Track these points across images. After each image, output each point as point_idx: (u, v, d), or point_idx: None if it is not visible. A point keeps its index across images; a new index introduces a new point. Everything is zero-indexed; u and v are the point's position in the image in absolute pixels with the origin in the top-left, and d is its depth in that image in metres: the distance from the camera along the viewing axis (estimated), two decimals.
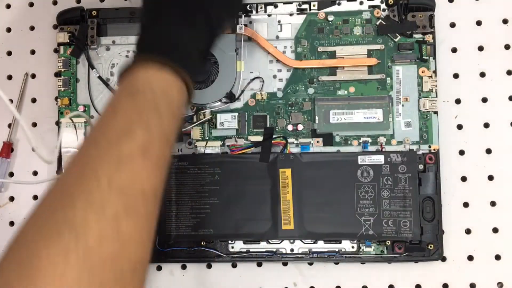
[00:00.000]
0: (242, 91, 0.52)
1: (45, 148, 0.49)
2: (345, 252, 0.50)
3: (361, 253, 0.50)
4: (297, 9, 0.53)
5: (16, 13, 0.57)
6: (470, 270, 0.51)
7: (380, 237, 0.49)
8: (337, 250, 0.50)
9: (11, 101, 0.55)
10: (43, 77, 0.56)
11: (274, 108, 0.52)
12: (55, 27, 0.56)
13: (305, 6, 0.53)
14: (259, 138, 0.52)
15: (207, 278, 0.52)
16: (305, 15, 0.52)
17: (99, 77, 0.53)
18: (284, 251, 0.51)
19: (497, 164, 0.52)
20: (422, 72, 0.51)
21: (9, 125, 0.55)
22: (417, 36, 0.51)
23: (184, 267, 0.53)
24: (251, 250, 0.51)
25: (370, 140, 0.51)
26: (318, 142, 0.51)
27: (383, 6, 0.52)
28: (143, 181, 0.28)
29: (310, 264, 0.52)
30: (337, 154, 0.51)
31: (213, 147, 0.52)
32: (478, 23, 0.53)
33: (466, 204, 0.52)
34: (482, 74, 0.53)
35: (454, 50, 0.53)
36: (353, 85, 0.52)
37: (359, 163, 0.50)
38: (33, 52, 0.56)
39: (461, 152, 0.52)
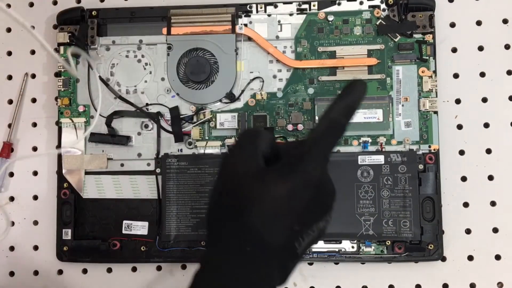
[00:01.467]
0: (242, 91, 0.52)
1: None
2: (345, 252, 0.50)
3: (361, 253, 0.50)
4: (297, 9, 0.53)
5: (16, 13, 0.57)
6: (470, 270, 0.51)
7: (380, 237, 0.49)
8: (337, 250, 0.50)
9: (11, 101, 0.56)
10: (43, 77, 0.56)
11: (274, 108, 0.52)
12: (55, 27, 0.56)
13: (305, 6, 0.53)
14: None
15: None
16: (305, 15, 0.52)
17: (99, 77, 0.53)
18: None
19: (497, 164, 0.52)
20: (422, 72, 0.51)
21: (9, 125, 0.55)
22: (417, 36, 0.51)
23: (184, 267, 0.53)
24: None
25: (370, 140, 0.51)
26: None
27: (383, 6, 0.52)
28: None
29: (310, 264, 0.52)
30: (337, 154, 0.51)
31: (213, 147, 0.52)
32: (478, 23, 0.53)
33: (466, 204, 0.52)
34: (482, 74, 0.53)
35: (454, 50, 0.53)
36: None
37: (359, 163, 0.50)
38: (33, 52, 0.56)
39: (461, 152, 0.52)
